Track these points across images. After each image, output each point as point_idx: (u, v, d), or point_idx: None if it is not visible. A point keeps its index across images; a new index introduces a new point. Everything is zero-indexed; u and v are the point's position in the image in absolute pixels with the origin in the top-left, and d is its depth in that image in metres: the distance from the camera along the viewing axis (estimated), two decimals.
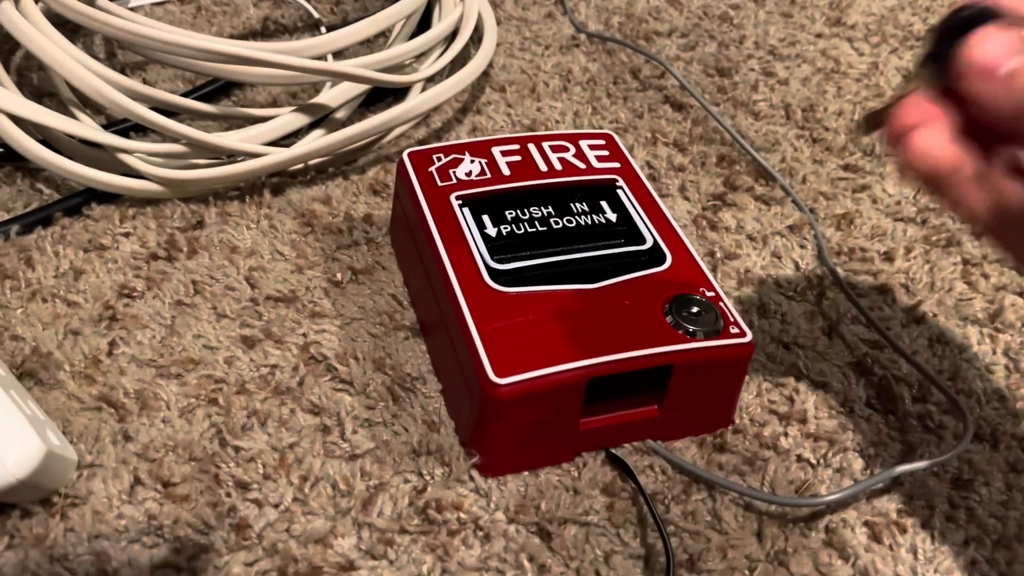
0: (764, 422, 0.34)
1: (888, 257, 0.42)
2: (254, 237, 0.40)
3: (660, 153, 0.47)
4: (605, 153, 0.40)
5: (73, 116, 0.41)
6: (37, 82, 0.47)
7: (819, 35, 0.59)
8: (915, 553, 0.31)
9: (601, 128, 0.49)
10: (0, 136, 0.40)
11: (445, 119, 0.48)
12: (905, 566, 0.30)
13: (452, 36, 0.49)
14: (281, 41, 0.53)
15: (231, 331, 0.36)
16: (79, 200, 0.40)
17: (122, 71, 0.48)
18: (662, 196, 0.43)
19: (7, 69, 0.43)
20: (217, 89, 0.47)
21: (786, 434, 0.34)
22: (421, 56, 0.47)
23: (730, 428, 0.34)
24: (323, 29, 0.53)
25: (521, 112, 0.49)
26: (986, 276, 0.42)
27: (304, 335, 0.36)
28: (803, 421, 0.34)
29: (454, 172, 0.37)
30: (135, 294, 0.37)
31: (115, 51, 0.50)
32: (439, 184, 0.37)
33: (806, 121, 0.51)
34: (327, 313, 0.37)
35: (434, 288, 0.34)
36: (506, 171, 0.38)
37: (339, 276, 0.39)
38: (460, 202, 0.36)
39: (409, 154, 0.38)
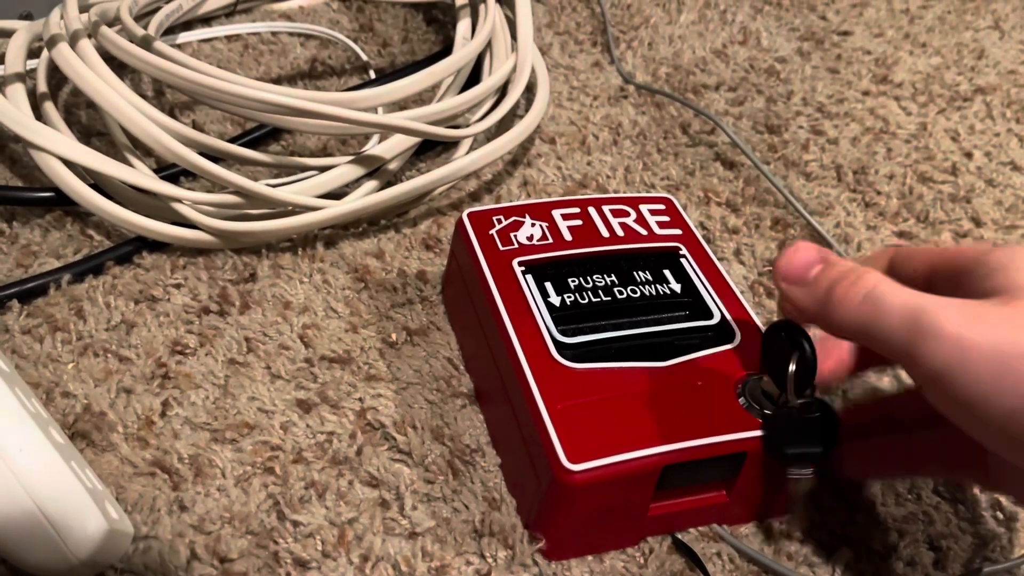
0: (831, 508, 0.34)
1: None
2: (307, 292, 0.39)
3: (713, 214, 0.47)
4: (666, 219, 0.39)
5: (126, 161, 0.41)
6: (85, 120, 0.46)
7: (866, 92, 0.58)
8: None
9: (653, 185, 0.48)
10: (53, 180, 0.39)
11: (495, 171, 0.48)
12: None
13: (503, 87, 0.49)
14: (329, 83, 0.52)
15: (286, 394, 0.35)
16: (130, 248, 0.39)
17: (170, 111, 0.48)
18: (718, 259, 0.43)
19: (54, 104, 0.43)
20: (267, 133, 0.47)
21: (854, 522, 0.33)
22: (473, 108, 0.47)
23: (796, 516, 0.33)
24: (371, 72, 0.53)
25: (572, 166, 0.49)
26: None
27: (360, 400, 0.35)
28: (871, 508, 0.34)
29: (515, 236, 0.37)
30: (187, 351, 0.36)
31: (163, 89, 0.49)
32: (500, 248, 0.36)
33: (858, 184, 0.50)
34: (383, 376, 0.36)
35: (496, 358, 0.34)
36: (568, 236, 0.37)
37: (394, 336, 0.38)
38: (523, 268, 0.35)
39: (469, 215, 0.37)
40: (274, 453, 0.33)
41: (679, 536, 0.32)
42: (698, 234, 0.38)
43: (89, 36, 0.41)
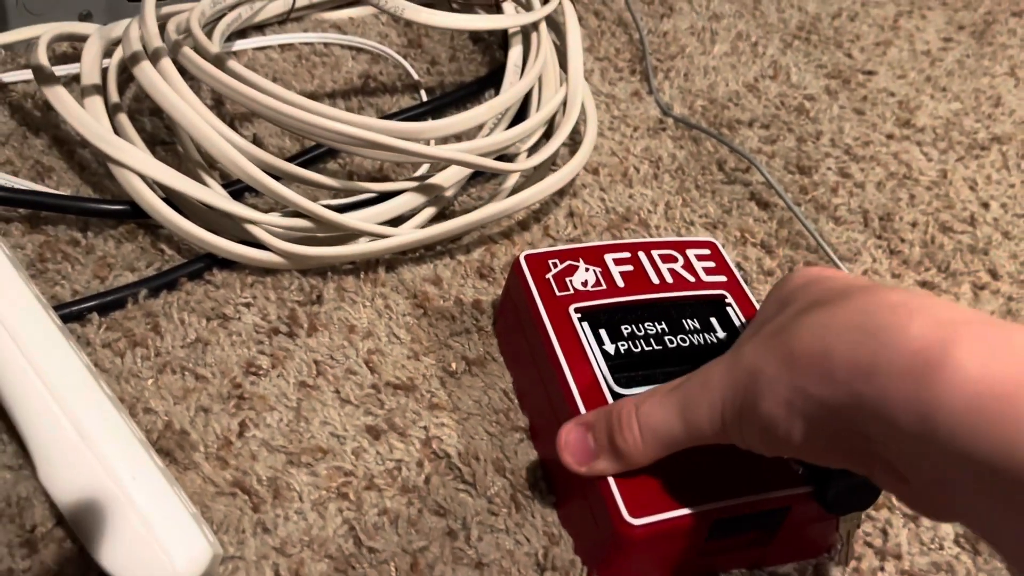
0: (861, 555, 0.36)
1: None
2: (370, 317, 0.41)
3: (750, 255, 0.49)
4: (711, 264, 0.41)
5: (198, 177, 0.42)
6: (150, 128, 0.47)
7: (890, 136, 0.61)
8: None
9: (693, 223, 0.50)
10: (131, 195, 0.40)
11: (543, 200, 0.50)
12: None
13: (551, 119, 0.50)
14: (381, 100, 0.53)
15: (356, 419, 0.37)
16: (201, 265, 0.41)
17: (231, 122, 0.49)
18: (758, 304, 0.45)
19: (122, 108, 0.44)
20: (326, 151, 0.48)
21: (883, 569, 0.36)
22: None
23: (831, 559, 0.36)
24: (423, 92, 0.54)
25: (614, 198, 0.51)
26: None
27: (425, 428, 0.37)
28: (898, 557, 0.36)
29: (570, 281, 0.38)
30: (260, 372, 0.38)
31: (223, 99, 0.50)
32: (557, 294, 0.38)
33: (883, 230, 0.53)
34: (445, 406, 0.38)
35: (554, 403, 0.35)
36: (620, 282, 0.39)
37: (454, 366, 0.40)
38: (579, 316, 0.37)
39: (526, 258, 0.39)
40: (347, 479, 0.35)
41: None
42: (742, 280, 0.41)
43: (169, 53, 0.42)
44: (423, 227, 0.44)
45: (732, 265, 0.41)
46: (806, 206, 0.53)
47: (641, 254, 0.40)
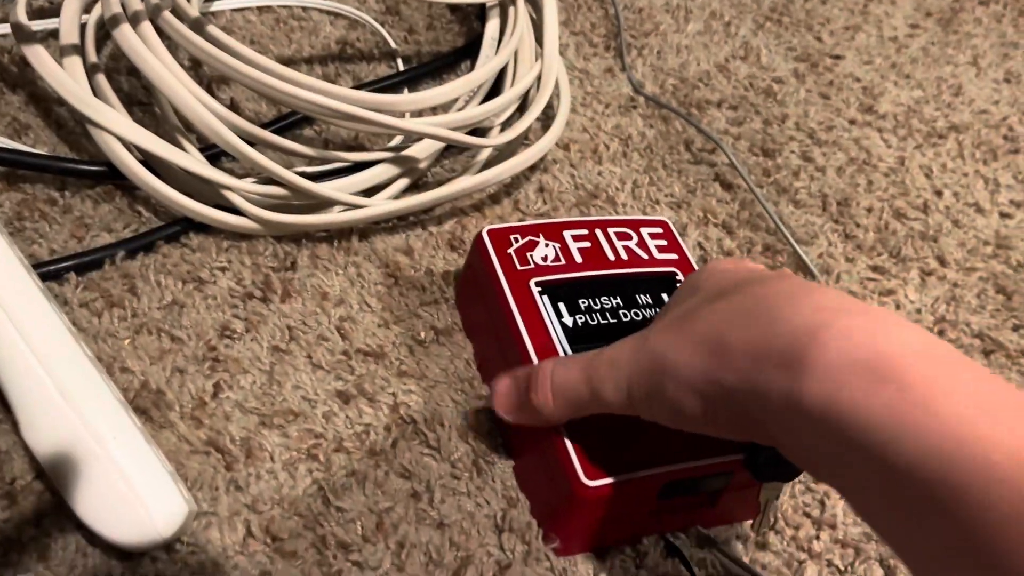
0: (799, 524, 0.39)
1: None
2: (343, 285, 0.42)
3: (711, 235, 0.51)
4: (663, 243, 0.43)
5: (175, 142, 0.43)
6: (127, 88, 0.48)
7: (853, 121, 0.63)
8: None
9: (658, 202, 0.52)
10: (110, 158, 0.41)
11: (514, 175, 0.51)
12: None
13: (525, 94, 0.51)
14: (358, 67, 0.54)
15: (327, 384, 0.38)
16: (178, 228, 0.42)
17: (208, 85, 0.49)
18: None
19: (100, 69, 0.44)
20: (303, 118, 0.49)
21: (818, 538, 0.38)
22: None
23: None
24: (399, 62, 0.55)
25: (584, 175, 0.52)
26: None
27: (393, 395, 0.39)
28: (833, 527, 0.39)
29: (531, 256, 0.40)
30: (235, 335, 0.39)
31: (200, 63, 0.51)
32: (518, 268, 0.39)
33: (840, 215, 0.55)
34: (413, 373, 0.40)
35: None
36: (578, 258, 0.41)
37: (422, 335, 0.41)
38: (539, 289, 0.39)
39: (489, 233, 0.40)
40: (317, 441, 0.36)
41: (671, 538, 0.37)
42: (692, 259, 0.42)
43: (148, 15, 0.42)
44: (396, 198, 0.45)
45: (683, 244, 0.43)
46: (768, 188, 0.55)
47: (598, 231, 0.42)
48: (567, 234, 0.42)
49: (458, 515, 0.35)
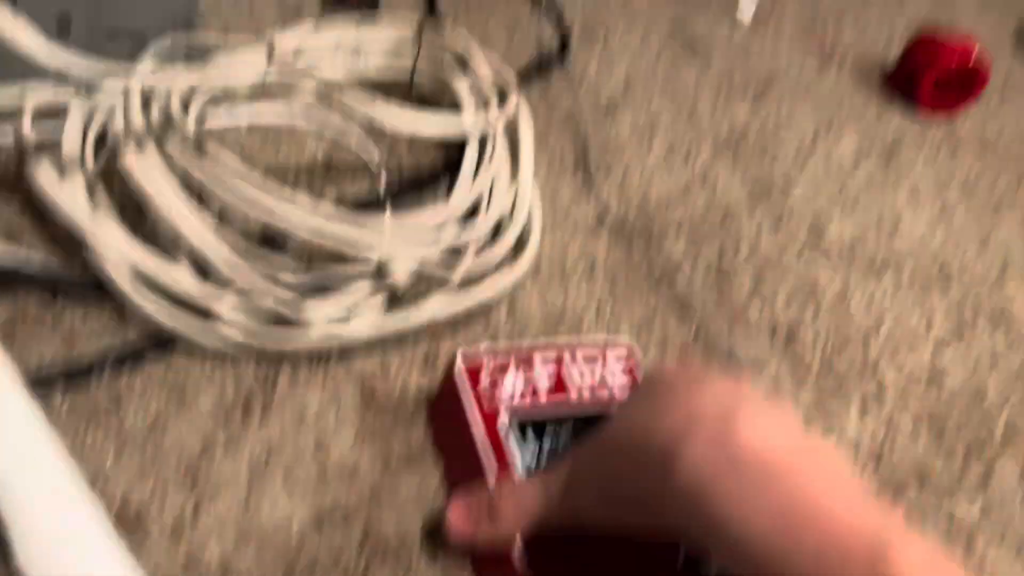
0: None
1: None
2: (320, 406, 0.44)
3: (669, 360, 0.54)
4: (628, 368, 0.46)
5: (169, 259, 0.44)
6: (119, 196, 0.50)
7: (801, 252, 0.67)
8: None
9: (620, 326, 0.55)
10: (102, 274, 0.43)
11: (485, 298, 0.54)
12: None
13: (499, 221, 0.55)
14: (343, 184, 0.57)
15: (302, 505, 0.40)
16: (165, 346, 0.43)
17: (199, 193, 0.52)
18: None
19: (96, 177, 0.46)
20: None
21: None
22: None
23: None
24: (382, 179, 0.58)
25: (551, 298, 0.55)
26: (923, 528, 0.50)
27: (366, 518, 0.40)
28: None
29: (501, 388, 0.42)
30: (215, 455, 0.41)
31: None
32: (487, 400, 0.42)
33: (788, 343, 0.58)
34: (385, 495, 0.42)
35: None
36: (546, 389, 0.43)
37: (395, 458, 0.43)
38: (507, 423, 0.41)
39: (461, 363, 0.43)
40: (291, 563, 0.38)
41: None
42: None
43: (153, 138, 0.44)
44: (376, 317, 0.47)
45: (640, 373, 0.46)
46: (721, 315, 0.59)
47: (567, 356, 0.45)
48: (536, 361, 0.44)
49: None
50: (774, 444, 0.30)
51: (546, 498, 0.36)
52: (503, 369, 0.43)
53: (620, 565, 0.37)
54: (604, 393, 0.44)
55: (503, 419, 0.41)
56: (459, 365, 0.42)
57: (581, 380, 0.45)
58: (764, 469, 0.29)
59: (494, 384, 0.42)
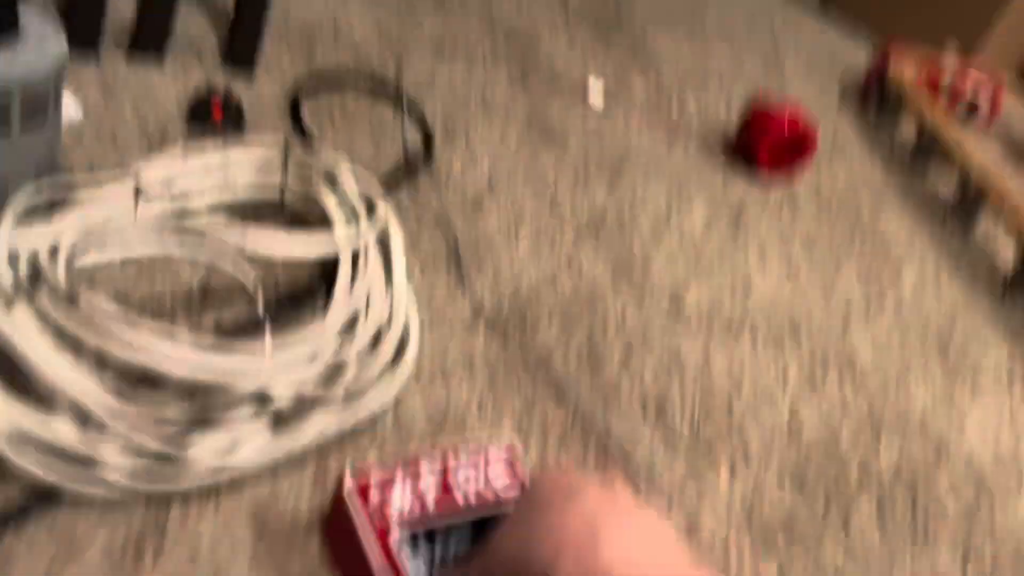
0: None
1: (724, 561, 0.54)
2: (214, 539, 0.45)
3: (550, 447, 0.57)
4: (509, 478, 0.48)
5: (48, 413, 0.45)
6: None
7: (664, 325, 0.72)
8: None
9: (502, 417, 0.58)
10: None
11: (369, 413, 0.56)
12: None
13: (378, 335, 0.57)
14: (220, 311, 0.58)
15: None
16: (49, 498, 0.44)
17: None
18: None
19: None
20: None
21: None
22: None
23: None
24: (259, 299, 0.59)
25: (434, 401, 0.58)
26: None
27: None
28: None
29: (389, 509, 0.44)
30: None
31: None
32: (378, 518, 0.44)
33: (658, 417, 0.63)
34: None
35: None
36: (432, 502, 0.45)
37: None
38: (398, 541, 0.43)
39: (349, 490, 0.44)
40: None
41: None
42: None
43: (24, 296, 0.45)
44: (262, 443, 0.49)
45: (523, 470, 0.49)
46: (596, 398, 0.63)
47: (451, 461, 0.48)
48: (423, 470, 0.47)
49: None
50: (631, 559, 0.33)
51: None
52: (390, 483, 0.45)
53: None
54: (489, 495, 0.47)
55: (394, 535, 0.43)
56: (348, 487, 0.44)
57: (467, 484, 0.47)
58: None
59: (383, 500, 0.45)
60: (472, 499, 0.47)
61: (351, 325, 0.57)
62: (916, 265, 0.94)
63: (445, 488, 0.46)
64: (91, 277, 0.57)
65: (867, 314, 0.82)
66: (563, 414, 0.60)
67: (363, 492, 0.45)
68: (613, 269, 0.76)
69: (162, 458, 0.45)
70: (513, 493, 0.48)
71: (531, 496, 0.39)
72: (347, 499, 0.44)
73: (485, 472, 0.48)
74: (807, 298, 0.82)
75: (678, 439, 0.61)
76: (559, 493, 0.38)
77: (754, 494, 0.60)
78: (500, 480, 0.48)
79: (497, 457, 0.49)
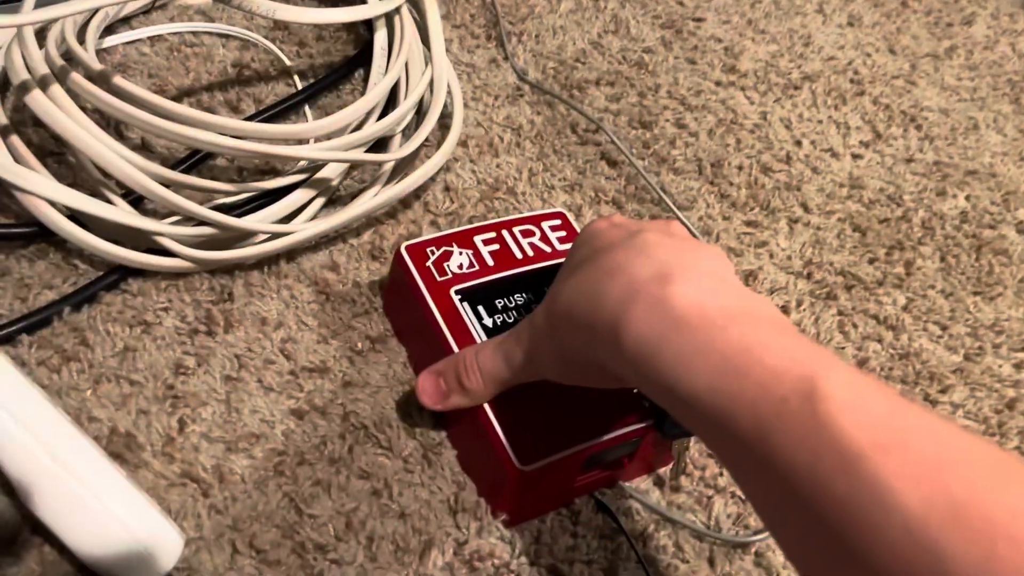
0: (704, 465, 0.45)
1: (785, 311, 0.54)
2: (279, 308, 0.46)
3: (604, 212, 0.56)
4: (563, 233, 0.48)
5: (99, 194, 0.45)
6: (37, 140, 0.49)
7: (718, 83, 0.69)
8: None
9: (553, 187, 0.57)
10: (40, 220, 0.43)
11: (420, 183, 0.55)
12: None
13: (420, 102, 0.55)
14: (257, 89, 0.57)
15: (280, 404, 0.42)
16: (116, 277, 0.44)
17: (116, 126, 0.51)
18: None
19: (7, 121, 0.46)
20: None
21: (721, 474, 0.45)
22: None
23: (671, 473, 0.45)
24: (296, 79, 0.58)
25: (484, 169, 0.56)
26: (855, 326, 0.54)
27: (342, 405, 0.43)
28: None
29: (448, 266, 0.44)
30: (188, 371, 0.43)
31: None
32: (438, 279, 0.44)
33: (715, 176, 0.61)
34: (357, 382, 0.44)
35: None
36: (490, 261, 0.45)
37: (359, 345, 0.46)
38: (459, 297, 0.43)
39: (407, 248, 0.45)
40: (281, 458, 0.41)
41: (599, 496, 0.43)
42: None
43: (56, 78, 0.44)
44: (315, 218, 0.49)
45: (578, 230, 0.48)
46: (649, 160, 0.61)
47: (505, 232, 0.47)
48: (477, 239, 0.46)
49: (416, 504, 0.41)
50: (708, 300, 0.31)
51: (509, 367, 0.38)
52: (447, 251, 0.45)
53: (588, 405, 0.40)
54: (547, 249, 0.47)
55: (455, 296, 0.43)
56: (405, 255, 0.44)
57: (523, 242, 0.47)
58: (702, 326, 0.30)
59: (440, 263, 0.44)
60: (530, 252, 0.46)
61: (392, 98, 0.55)
62: (990, 10, 0.87)
63: (502, 246, 0.46)
64: (124, 57, 0.56)
65: (935, 64, 0.77)
66: (615, 178, 0.59)
67: (420, 260, 0.44)
68: (662, 28, 0.72)
69: (220, 229, 0.45)
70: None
71: (589, 240, 0.38)
72: (405, 265, 0.44)
73: (541, 230, 0.48)
74: (871, 49, 0.77)
75: (735, 196, 0.60)
76: (619, 235, 0.36)
77: (814, 247, 0.58)
78: (557, 236, 0.47)
79: (550, 227, 0.48)
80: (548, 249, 0.47)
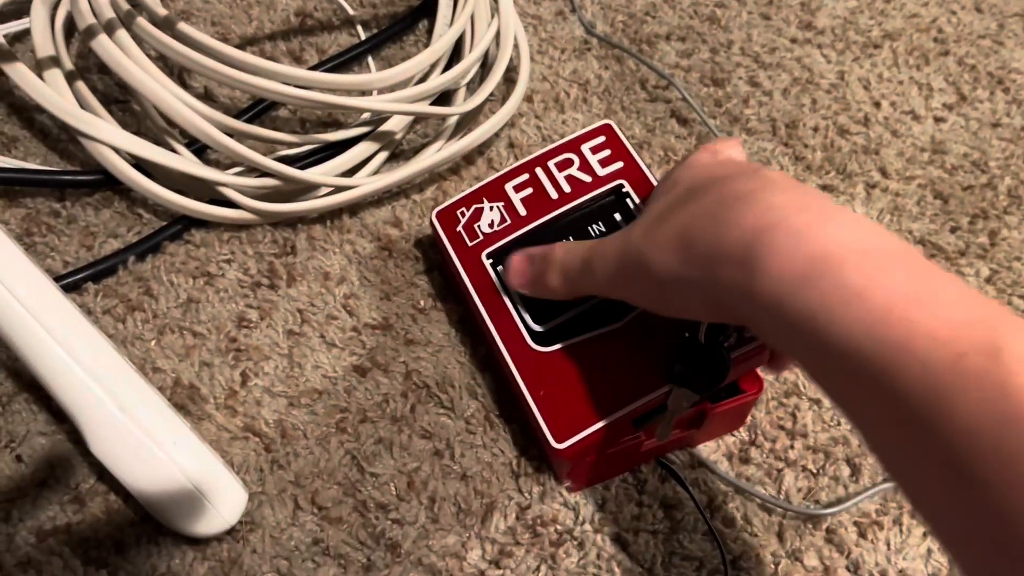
0: (775, 437, 0.44)
1: None
2: (341, 263, 0.45)
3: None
4: (607, 152, 0.44)
5: (164, 143, 0.44)
6: (102, 87, 0.49)
7: (794, 40, 0.66)
8: (888, 545, 0.41)
9: None
10: (106, 167, 0.43)
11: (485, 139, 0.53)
12: (882, 556, 0.41)
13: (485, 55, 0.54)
14: (319, 38, 0.55)
15: (343, 360, 0.42)
16: (179, 227, 0.44)
17: (179, 73, 0.51)
18: None
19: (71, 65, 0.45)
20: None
21: (792, 447, 0.44)
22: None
23: (749, 439, 0.43)
24: (359, 29, 0.56)
25: (549, 125, 0.55)
26: None
27: (405, 363, 0.42)
28: (804, 436, 0.44)
29: (479, 227, 0.42)
30: (251, 324, 0.42)
31: None
32: (469, 244, 0.41)
33: (789, 138, 0.58)
34: (419, 340, 0.43)
35: (488, 344, 0.40)
36: (523, 211, 0.42)
37: (422, 303, 0.45)
38: (491, 261, 0.41)
39: (438, 215, 0.43)
40: (343, 415, 0.40)
41: (665, 463, 0.42)
42: (640, 160, 0.43)
43: (122, 23, 0.43)
44: (378, 172, 0.48)
45: (628, 146, 0.44)
46: (721, 119, 0.59)
47: (538, 170, 0.43)
48: (508, 187, 0.43)
49: (478, 466, 0.40)
50: (864, 238, 0.27)
51: (592, 280, 0.35)
52: (477, 209, 0.43)
53: (621, 371, 0.38)
54: (586, 190, 0.43)
55: (486, 260, 0.41)
56: (435, 223, 0.43)
57: (558, 189, 0.43)
58: (861, 266, 0.26)
59: (470, 225, 0.42)
60: (567, 188, 0.42)
61: (457, 50, 0.54)
62: None
63: (535, 189, 0.43)
64: (187, 4, 0.55)
65: None
66: (686, 137, 0.56)
67: (450, 217, 0.43)
68: None
69: (283, 181, 0.44)
70: (617, 168, 0.43)
71: (699, 170, 0.34)
72: (434, 222, 0.42)
73: (580, 156, 0.44)
74: (956, 6, 0.73)
75: (811, 158, 0.57)
76: (736, 168, 0.32)
77: (892, 214, 0.56)
78: (599, 157, 0.43)
79: (594, 138, 0.44)
80: (588, 179, 0.43)
